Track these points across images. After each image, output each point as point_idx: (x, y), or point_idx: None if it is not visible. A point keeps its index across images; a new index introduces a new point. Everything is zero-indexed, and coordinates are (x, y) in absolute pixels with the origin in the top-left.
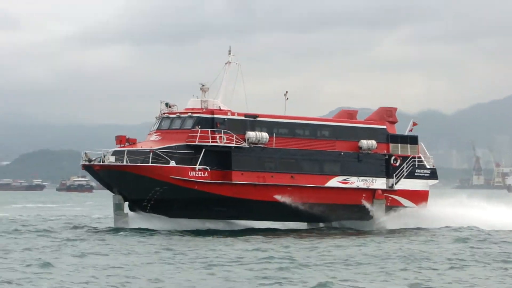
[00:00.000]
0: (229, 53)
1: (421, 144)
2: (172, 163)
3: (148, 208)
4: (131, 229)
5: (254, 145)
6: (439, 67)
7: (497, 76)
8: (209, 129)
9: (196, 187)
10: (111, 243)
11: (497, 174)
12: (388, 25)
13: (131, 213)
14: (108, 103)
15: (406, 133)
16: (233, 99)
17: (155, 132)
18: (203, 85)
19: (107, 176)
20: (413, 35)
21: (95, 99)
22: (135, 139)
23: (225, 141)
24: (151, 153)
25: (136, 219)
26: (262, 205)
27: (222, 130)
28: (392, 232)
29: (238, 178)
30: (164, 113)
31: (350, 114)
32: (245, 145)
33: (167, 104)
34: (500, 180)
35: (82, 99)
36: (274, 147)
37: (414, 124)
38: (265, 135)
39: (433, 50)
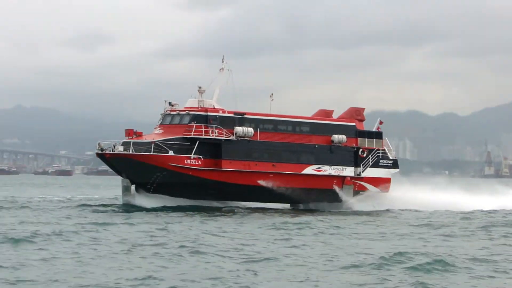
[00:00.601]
0: (222, 61)
1: (386, 139)
2: (171, 153)
3: (151, 189)
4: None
5: (241, 138)
6: (455, 77)
7: (502, 85)
8: (203, 125)
9: (190, 172)
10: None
11: (504, 166)
12: (415, 42)
13: (137, 194)
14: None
15: (374, 130)
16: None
17: (159, 127)
18: (200, 88)
19: (116, 163)
20: (434, 51)
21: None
22: (141, 132)
23: (216, 134)
24: (152, 144)
25: (141, 199)
26: (247, 189)
27: (214, 125)
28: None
29: (227, 165)
30: (167, 111)
31: (327, 113)
32: (233, 138)
33: (170, 103)
34: (507, 171)
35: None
36: (258, 140)
37: (381, 122)
38: (250, 130)
39: (450, 64)
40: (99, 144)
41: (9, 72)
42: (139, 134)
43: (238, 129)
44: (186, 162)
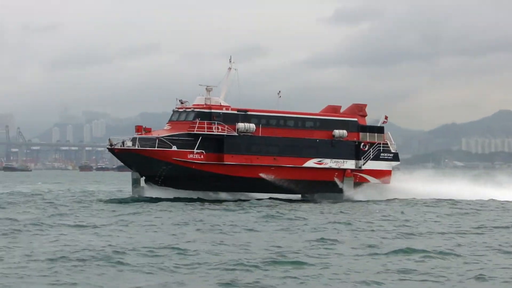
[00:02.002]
0: (230, 61)
1: (388, 133)
2: (174, 148)
3: (159, 182)
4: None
5: (243, 133)
6: None
7: None
8: (206, 121)
9: (193, 166)
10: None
11: None
12: None
13: (146, 186)
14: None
15: (379, 125)
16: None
17: (168, 123)
18: (208, 86)
19: (125, 157)
20: None
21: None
22: (150, 128)
23: (219, 130)
24: (157, 140)
25: (150, 191)
26: (249, 181)
27: (216, 122)
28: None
29: (229, 159)
30: (176, 108)
31: (334, 109)
32: (235, 133)
33: (180, 101)
34: None
35: (313, 106)
36: (260, 135)
37: (386, 117)
38: (252, 126)
39: None
40: (109, 140)
41: (177, 81)
42: (148, 130)
43: (240, 125)
44: (189, 157)
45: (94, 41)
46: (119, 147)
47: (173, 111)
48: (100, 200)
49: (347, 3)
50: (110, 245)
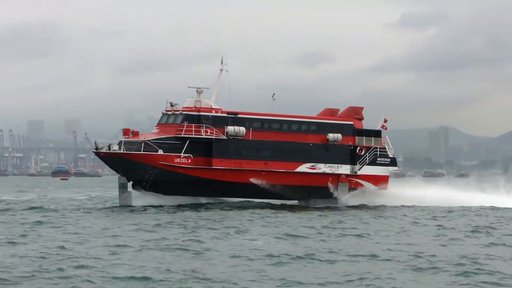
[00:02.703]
0: (221, 63)
1: (386, 137)
2: (160, 151)
3: (147, 187)
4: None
5: (233, 137)
6: None
7: None
8: (194, 124)
9: (180, 171)
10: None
11: None
12: None
13: (133, 191)
14: (395, 114)
15: (378, 128)
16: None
17: (156, 126)
18: (198, 88)
19: (109, 161)
20: None
21: (388, 112)
22: (138, 131)
23: (208, 134)
24: (143, 143)
25: (138, 197)
26: (239, 186)
27: (204, 125)
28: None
29: (218, 164)
30: (165, 111)
31: (332, 112)
32: (224, 137)
33: (171, 103)
34: None
35: (377, 111)
36: (251, 139)
37: (385, 120)
38: (242, 129)
39: None
40: (95, 143)
41: (241, 87)
42: (135, 134)
43: (230, 128)
44: (176, 161)
45: (160, 47)
46: (105, 151)
47: (162, 113)
48: None
49: (414, 8)
50: None
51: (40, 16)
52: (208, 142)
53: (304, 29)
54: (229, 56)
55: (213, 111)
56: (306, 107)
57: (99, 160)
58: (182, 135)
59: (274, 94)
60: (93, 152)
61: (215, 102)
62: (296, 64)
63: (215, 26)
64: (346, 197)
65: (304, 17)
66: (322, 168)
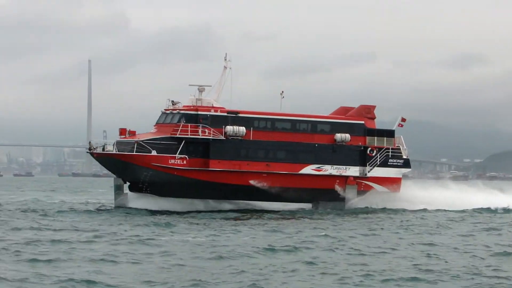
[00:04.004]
0: (225, 59)
1: (400, 137)
2: (154, 152)
3: (144, 188)
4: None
5: (232, 137)
6: None
7: None
8: (191, 124)
9: (175, 172)
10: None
11: None
12: None
13: (130, 193)
14: None
15: (395, 127)
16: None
17: (154, 126)
18: (200, 86)
19: (103, 162)
20: None
21: None
22: (135, 131)
23: (206, 134)
24: (135, 144)
25: (134, 199)
26: (238, 188)
27: (201, 125)
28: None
29: (215, 165)
30: (164, 109)
31: (347, 110)
32: (222, 137)
33: (172, 102)
34: None
35: None
36: (251, 139)
37: (403, 119)
38: (242, 129)
39: None
40: (89, 143)
41: (391, 90)
42: (132, 133)
43: (229, 128)
44: (170, 162)
45: (310, 51)
46: (98, 152)
47: (161, 112)
48: None
49: None
50: None
51: (193, 20)
52: (205, 143)
53: (454, 31)
54: (382, 58)
55: (212, 110)
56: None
57: None
58: (178, 135)
59: (282, 92)
60: (87, 152)
61: (218, 100)
62: (444, 67)
63: (368, 28)
64: (354, 201)
65: (454, 18)
66: (329, 169)
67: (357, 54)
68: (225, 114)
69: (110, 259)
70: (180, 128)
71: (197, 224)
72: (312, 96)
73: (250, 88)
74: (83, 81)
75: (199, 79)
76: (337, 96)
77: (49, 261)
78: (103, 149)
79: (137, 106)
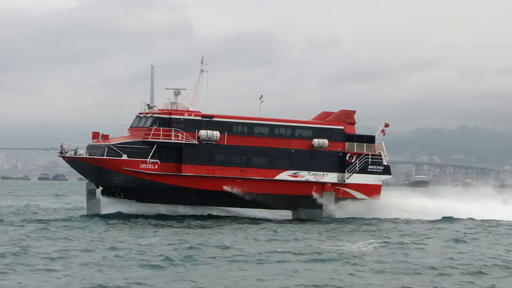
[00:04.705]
0: (201, 62)
1: (382, 143)
2: (124, 157)
3: (117, 194)
4: None
5: (206, 142)
6: None
7: None
8: (162, 128)
9: (146, 177)
10: None
11: None
12: None
13: (103, 198)
14: None
15: (377, 134)
16: None
17: (128, 129)
18: (175, 90)
19: (75, 166)
20: None
21: None
22: (108, 135)
23: (179, 138)
24: (106, 148)
25: (107, 204)
26: (211, 194)
27: (174, 129)
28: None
29: (188, 170)
30: (138, 113)
31: (329, 115)
32: (195, 141)
33: (148, 105)
34: None
35: None
36: (226, 143)
37: (386, 125)
38: (215, 133)
39: None
40: (61, 146)
41: (454, 97)
42: (105, 137)
43: (202, 132)
44: (141, 166)
45: (374, 57)
46: (69, 155)
47: (135, 116)
48: None
49: None
50: None
51: (257, 26)
52: (178, 147)
53: None
54: (444, 64)
55: (186, 114)
56: None
57: None
58: (150, 139)
59: (262, 96)
60: (58, 156)
61: (194, 104)
62: (508, 74)
63: (433, 34)
64: (332, 208)
65: None
66: (306, 176)
67: (419, 60)
68: (199, 118)
69: None
70: (152, 132)
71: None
72: (375, 103)
73: (310, 95)
74: (145, 86)
75: (260, 85)
76: (398, 103)
77: None
78: (75, 153)
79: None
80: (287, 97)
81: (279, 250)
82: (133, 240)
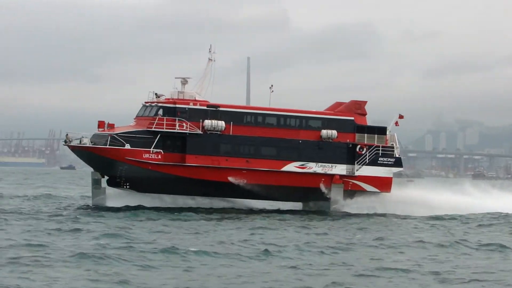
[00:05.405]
0: (209, 51)
1: (394, 134)
2: (127, 146)
3: (122, 184)
4: None
5: (211, 132)
6: None
7: None
8: (166, 117)
9: (150, 167)
10: None
11: None
12: None
13: (108, 188)
14: None
15: (390, 125)
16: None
17: (134, 118)
18: (183, 79)
19: (80, 155)
20: None
21: None
22: (113, 124)
23: (183, 128)
24: (109, 137)
25: (113, 194)
26: (215, 185)
27: (178, 118)
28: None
29: (192, 161)
30: (145, 102)
31: (341, 105)
32: (199, 131)
33: (156, 94)
34: None
35: None
36: (231, 134)
37: (400, 116)
38: (220, 123)
39: None
40: (66, 135)
41: None
42: (111, 126)
43: (206, 122)
44: (144, 156)
45: (474, 49)
46: (73, 144)
47: (142, 105)
48: None
49: None
50: None
51: (353, 19)
52: (183, 137)
53: None
54: None
55: (191, 103)
56: None
57: (408, 161)
58: (153, 129)
59: (272, 86)
60: (63, 144)
61: (201, 93)
62: None
63: None
64: (340, 201)
65: None
66: (314, 167)
67: None
68: (204, 107)
69: None
70: (156, 121)
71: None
72: (472, 95)
73: (408, 87)
74: (242, 79)
75: (355, 77)
76: (496, 96)
77: None
78: (80, 142)
79: (292, 104)
80: (384, 89)
81: None
82: None
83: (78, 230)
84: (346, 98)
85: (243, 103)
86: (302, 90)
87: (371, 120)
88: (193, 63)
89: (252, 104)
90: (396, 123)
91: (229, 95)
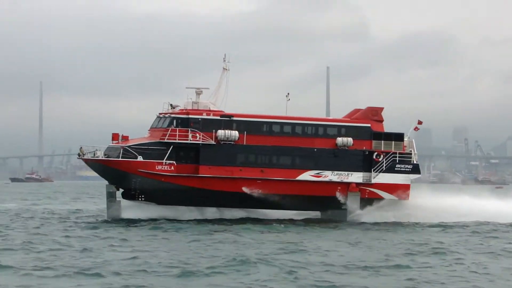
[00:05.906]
0: (224, 60)
1: (412, 141)
2: (140, 158)
3: (137, 196)
4: None
5: (224, 142)
6: None
7: None
8: (179, 128)
9: (163, 179)
10: None
11: None
12: None
13: (123, 201)
14: None
15: (409, 131)
16: None
17: (149, 130)
18: (197, 89)
19: (94, 168)
20: None
21: None
22: (127, 136)
23: (197, 139)
24: (121, 149)
25: (127, 207)
26: (230, 196)
27: (190, 129)
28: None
29: (205, 171)
30: (159, 113)
31: (375, 111)
32: (212, 142)
33: (171, 105)
34: None
35: None
36: (245, 143)
37: (419, 122)
38: (234, 133)
39: None
40: (80, 148)
41: None
42: (125, 138)
43: (220, 132)
44: (157, 168)
45: None
46: (86, 158)
47: (156, 116)
48: None
49: None
50: None
51: (432, 25)
52: (196, 148)
53: None
54: None
55: (205, 114)
56: None
57: (490, 168)
58: (166, 140)
59: (288, 94)
60: (77, 158)
61: (218, 103)
62: None
63: None
64: (357, 209)
65: None
66: (329, 176)
67: None
68: (218, 117)
69: None
70: (169, 132)
71: None
72: None
73: (489, 93)
74: (321, 88)
75: (432, 85)
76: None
77: None
78: (94, 155)
79: None
80: (464, 95)
81: None
82: None
83: None
84: (423, 105)
85: (323, 115)
86: (379, 98)
87: (450, 126)
88: (278, 73)
89: (331, 115)
90: (416, 128)
91: (308, 105)
